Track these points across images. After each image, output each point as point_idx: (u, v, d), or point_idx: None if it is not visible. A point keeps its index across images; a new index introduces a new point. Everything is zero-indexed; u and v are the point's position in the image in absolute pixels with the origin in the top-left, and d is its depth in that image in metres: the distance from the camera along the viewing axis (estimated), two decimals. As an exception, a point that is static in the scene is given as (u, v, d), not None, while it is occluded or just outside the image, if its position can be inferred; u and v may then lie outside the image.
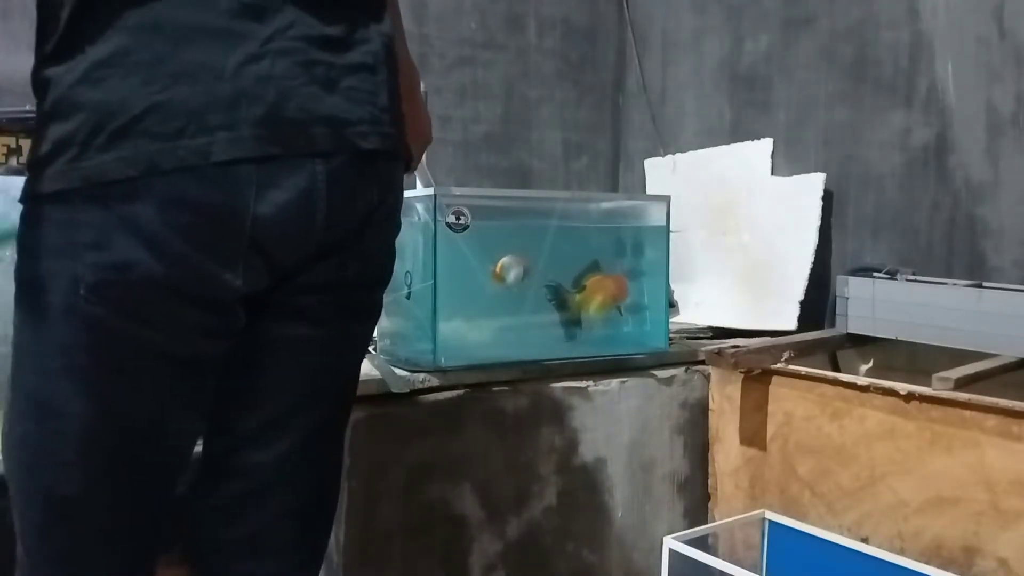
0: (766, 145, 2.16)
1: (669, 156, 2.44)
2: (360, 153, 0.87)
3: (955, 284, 1.69)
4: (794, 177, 2.08)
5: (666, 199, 1.76)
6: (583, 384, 1.66)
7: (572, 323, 1.70)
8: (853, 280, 1.83)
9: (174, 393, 0.86)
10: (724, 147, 2.28)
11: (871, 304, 1.78)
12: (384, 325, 1.67)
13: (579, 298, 1.69)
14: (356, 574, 1.43)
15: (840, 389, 1.57)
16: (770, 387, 1.69)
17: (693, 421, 1.81)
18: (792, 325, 1.96)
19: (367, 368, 1.52)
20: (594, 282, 1.70)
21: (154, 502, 0.90)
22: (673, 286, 1.91)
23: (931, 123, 1.89)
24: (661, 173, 2.46)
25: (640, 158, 2.57)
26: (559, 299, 1.68)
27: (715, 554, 1.48)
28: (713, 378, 1.79)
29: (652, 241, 1.76)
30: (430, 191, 1.50)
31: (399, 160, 0.98)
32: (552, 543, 1.64)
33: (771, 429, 1.69)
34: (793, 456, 1.65)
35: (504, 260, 1.57)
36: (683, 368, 1.80)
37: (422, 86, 1.93)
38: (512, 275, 1.57)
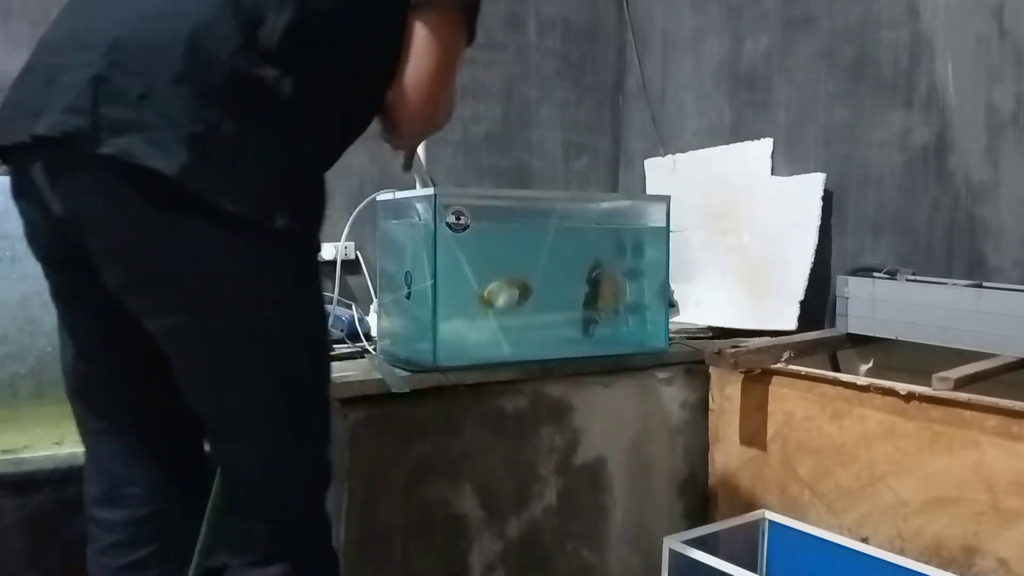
0: (766, 145, 2.16)
1: (669, 156, 2.44)
2: (47, 144, 0.89)
3: (955, 284, 1.69)
4: (794, 177, 2.08)
5: (666, 199, 1.76)
6: (583, 384, 1.66)
7: (590, 320, 1.70)
8: (853, 280, 1.83)
9: None
10: (724, 147, 2.28)
11: (871, 304, 1.78)
12: (384, 325, 1.67)
13: (590, 295, 1.70)
14: (356, 574, 1.43)
15: (840, 389, 1.57)
16: (770, 387, 1.69)
17: (693, 421, 1.81)
18: (792, 325, 1.97)
19: (367, 368, 1.52)
20: (604, 283, 1.71)
21: None
22: (673, 286, 1.91)
23: (931, 123, 1.89)
24: (661, 173, 2.46)
25: (640, 158, 2.57)
26: (593, 290, 1.68)
27: (715, 554, 1.48)
28: (713, 378, 1.79)
29: (652, 241, 1.76)
30: (430, 191, 1.50)
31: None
32: (552, 543, 1.64)
33: (771, 429, 1.69)
34: (793, 456, 1.65)
35: (492, 286, 1.55)
36: (683, 368, 1.80)
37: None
38: (502, 300, 1.56)
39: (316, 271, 1.04)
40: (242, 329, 0.96)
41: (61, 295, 1.06)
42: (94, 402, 1.10)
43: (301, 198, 0.97)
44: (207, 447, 1.09)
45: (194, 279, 0.93)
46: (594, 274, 1.70)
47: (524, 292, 1.57)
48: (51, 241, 1.00)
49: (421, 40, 1.04)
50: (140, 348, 1.01)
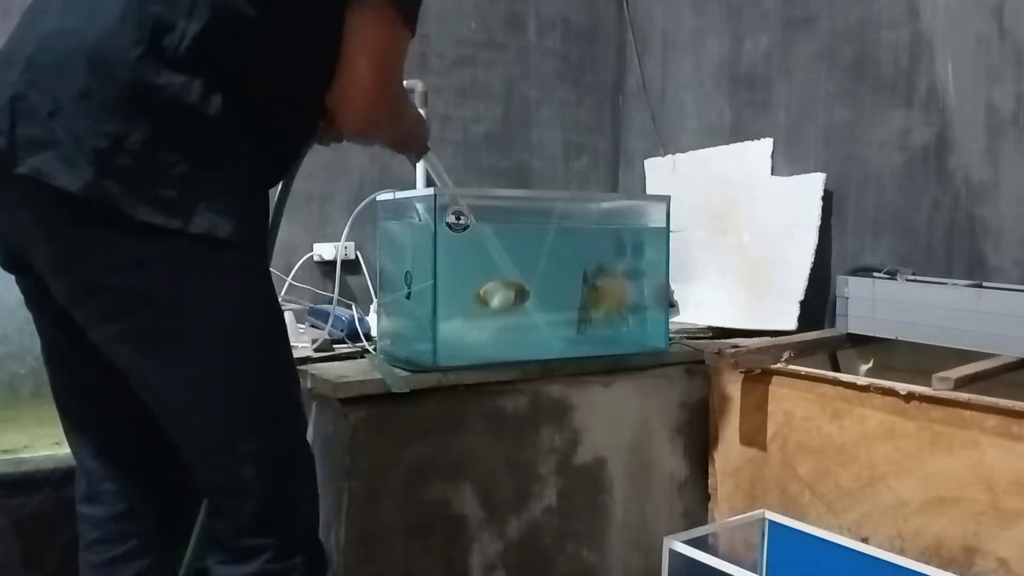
0: (766, 145, 2.16)
1: (669, 156, 2.44)
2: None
3: (955, 284, 1.69)
4: (794, 177, 2.08)
5: (666, 199, 1.76)
6: (583, 384, 1.66)
7: (585, 320, 1.70)
8: (853, 280, 1.83)
9: None
10: (724, 147, 2.28)
11: (871, 304, 1.78)
12: (384, 325, 1.67)
13: (592, 298, 1.70)
14: (356, 574, 1.43)
15: (840, 389, 1.57)
16: (770, 387, 1.69)
17: (693, 421, 1.81)
18: (792, 325, 1.96)
19: (367, 368, 1.52)
20: (604, 285, 1.70)
21: None
22: (673, 286, 1.91)
23: (931, 123, 1.89)
24: (661, 173, 2.46)
25: (640, 158, 2.57)
26: (590, 289, 1.68)
27: (715, 554, 1.48)
28: (713, 378, 1.79)
29: (652, 241, 1.76)
30: (430, 191, 1.50)
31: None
32: (552, 543, 1.64)
33: (771, 429, 1.69)
34: (793, 456, 1.65)
35: (489, 285, 1.55)
36: (683, 368, 1.80)
37: (420, 85, 1.94)
38: (497, 300, 1.55)
39: (253, 273, 1.03)
40: (175, 336, 0.97)
41: (29, 299, 1.10)
42: (65, 402, 1.13)
43: (224, 203, 0.96)
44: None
45: (122, 290, 0.94)
46: (590, 280, 1.70)
47: (520, 294, 1.57)
48: (5, 250, 1.04)
49: (357, 38, 1.02)
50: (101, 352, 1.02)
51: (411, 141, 1.34)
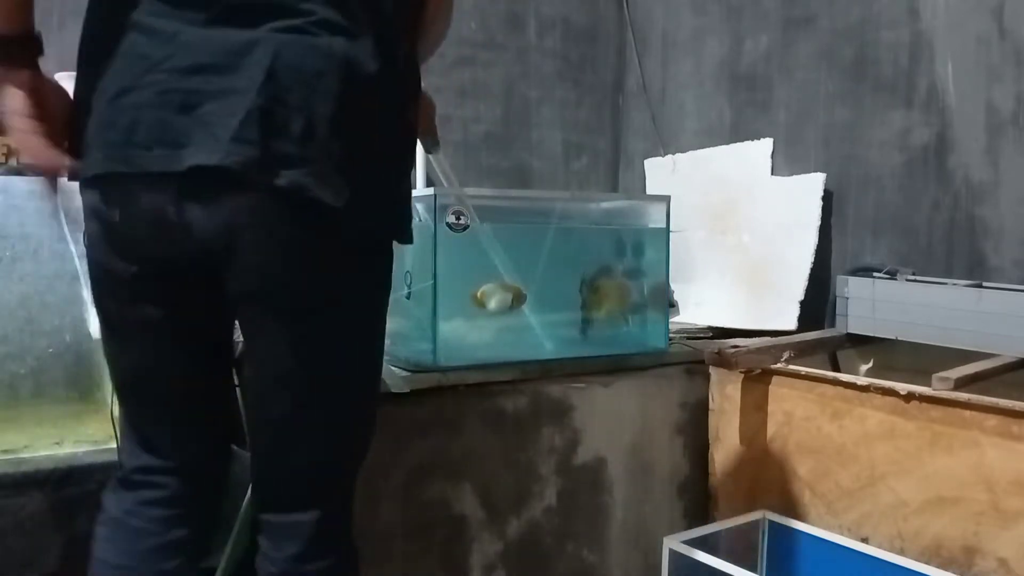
0: (766, 145, 2.16)
1: (669, 156, 2.44)
2: (200, 172, 0.91)
3: (955, 284, 1.69)
4: (794, 177, 2.08)
5: (666, 199, 1.76)
6: (583, 384, 1.66)
7: (582, 322, 1.70)
8: (853, 280, 1.83)
9: None
10: (724, 147, 2.28)
11: (871, 304, 1.78)
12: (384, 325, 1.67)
13: (593, 299, 1.70)
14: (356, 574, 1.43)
15: (840, 389, 1.57)
16: (770, 387, 1.69)
17: (693, 421, 1.81)
18: (792, 325, 1.96)
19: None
20: (606, 287, 1.70)
21: None
22: (673, 286, 1.91)
23: (931, 123, 1.89)
24: (661, 173, 2.46)
25: (640, 158, 2.57)
26: (590, 293, 1.69)
27: (715, 554, 1.48)
28: (713, 378, 1.79)
29: (652, 241, 1.76)
30: (430, 191, 1.50)
31: (246, 182, 0.93)
32: (552, 543, 1.64)
33: (771, 429, 1.69)
34: (793, 456, 1.65)
35: (486, 287, 1.56)
36: (683, 368, 1.80)
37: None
38: (494, 302, 1.56)
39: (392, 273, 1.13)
40: (356, 334, 1.07)
41: (145, 294, 1.05)
42: (153, 392, 1.11)
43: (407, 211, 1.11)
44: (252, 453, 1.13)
45: (328, 291, 1.01)
46: (590, 280, 1.70)
47: (517, 297, 1.57)
48: (157, 249, 0.99)
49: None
50: (204, 343, 1.09)
51: (430, 112, 1.37)
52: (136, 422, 1.13)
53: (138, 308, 1.04)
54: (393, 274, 1.11)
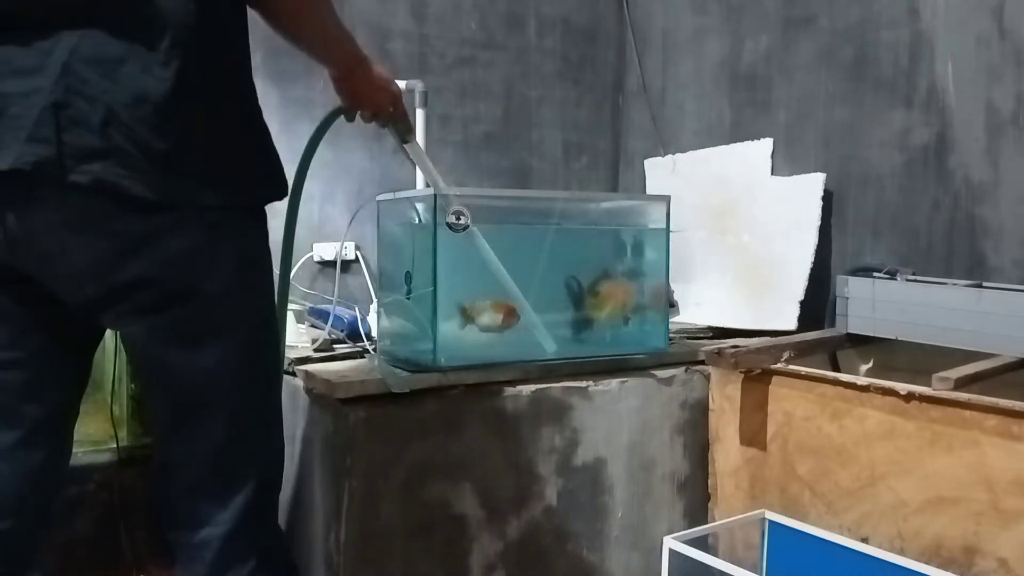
0: (766, 145, 2.16)
1: (669, 156, 2.44)
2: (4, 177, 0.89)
3: (955, 284, 1.69)
4: (794, 177, 2.08)
5: (666, 199, 1.76)
6: (583, 384, 1.66)
7: (582, 323, 1.70)
8: (853, 280, 1.83)
9: None
10: (724, 147, 2.28)
11: (871, 304, 1.78)
12: (384, 325, 1.67)
13: (594, 301, 1.70)
14: (356, 574, 1.43)
15: (840, 389, 1.57)
16: (770, 387, 1.69)
17: (693, 421, 1.81)
18: (792, 325, 1.96)
19: (367, 368, 1.52)
20: (608, 288, 1.70)
21: None
22: (673, 286, 1.91)
23: (931, 123, 1.89)
24: (661, 173, 2.46)
25: (640, 158, 2.57)
26: (576, 296, 1.68)
27: (715, 554, 1.48)
28: (713, 378, 1.79)
29: (652, 241, 1.76)
30: (430, 191, 1.50)
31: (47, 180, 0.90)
32: (552, 543, 1.64)
33: (771, 429, 1.69)
34: (793, 456, 1.65)
35: (477, 303, 1.56)
36: (683, 368, 1.80)
37: (420, 85, 1.94)
38: (483, 320, 1.56)
39: (268, 257, 1.08)
40: (211, 325, 1.00)
41: (10, 307, 1.04)
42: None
43: (264, 184, 1.04)
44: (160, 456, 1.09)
45: (169, 283, 0.97)
46: (589, 280, 1.70)
47: (509, 315, 1.57)
48: None
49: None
50: (44, 360, 1.04)
51: (378, 97, 1.32)
52: None
53: None
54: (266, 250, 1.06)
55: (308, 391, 1.52)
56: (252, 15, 1.05)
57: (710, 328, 2.05)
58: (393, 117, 1.37)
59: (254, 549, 1.06)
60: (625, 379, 1.72)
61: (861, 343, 1.85)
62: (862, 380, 1.55)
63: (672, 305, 1.95)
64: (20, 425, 1.06)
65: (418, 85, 1.96)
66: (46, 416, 1.08)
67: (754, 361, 1.68)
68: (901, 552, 1.46)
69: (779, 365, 1.68)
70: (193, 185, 0.95)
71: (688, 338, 1.97)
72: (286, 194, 1.09)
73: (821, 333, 1.89)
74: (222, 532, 1.04)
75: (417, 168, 1.89)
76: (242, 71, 1.04)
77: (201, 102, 0.96)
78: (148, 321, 0.99)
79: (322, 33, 1.13)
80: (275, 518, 1.12)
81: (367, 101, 1.31)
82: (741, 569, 1.39)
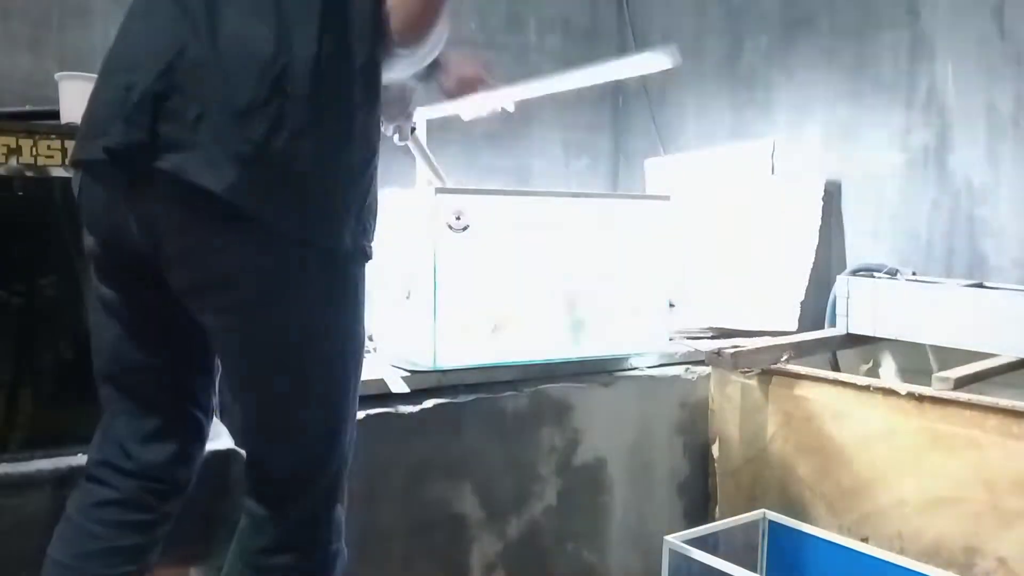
0: (766, 145, 2.16)
1: (669, 156, 2.44)
2: (99, 161, 0.95)
3: (955, 284, 1.69)
4: (794, 177, 2.08)
5: (666, 199, 1.76)
6: (583, 384, 1.66)
7: (584, 320, 1.70)
8: (853, 280, 1.83)
9: None
10: (724, 147, 2.28)
11: (871, 304, 1.78)
12: (384, 325, 1.67)
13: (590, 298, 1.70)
14: (356, 574, 1.43)
15: (840, 389, 1.57)
16: (770, 387, 1.69)
17: (693, 421, 1.81)
18: (792, 325, 1.96)
19: (367, 368, 1.52)
20: (603, 285, 1.70)
21: None
22: (673, 286, 1.91)
23: (931, 123, 1.89)
24: (661, 173, 2.46)
25: (640, 158, 2.56)
26: (589, 289, 1.69)
27: (715, 554, 1.48)
28: (713, 378, 1.79)
29: (652, 241, 1.76)
30: (430, 191, 1.50)
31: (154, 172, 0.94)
32: (552, 543, 1.64)
33: (771, 429, 1.69)
34: (793, 456, 1.65)
35: (475, 316, 1.56)
36: (683, 368, 1.80)
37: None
38: (480, 332, 1.57)
39: (361, 281, 1.08)
40: (284, 337, 1.03)
41: (114, 277, 1.09)
42: (124, 387, 1.13)
43: (354, 214, 1.03)
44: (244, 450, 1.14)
45: (246, 287, 0.99)
46: (589, 280, 1.70)
47: (503, 324, 1.58)
48: (118, 236, 1.03)
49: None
50: (177, 340, 1.10)
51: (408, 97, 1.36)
52: (104, 411, 1.14)
53: (102, 288, 1.08)
54: (361, 289, 1.07)
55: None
56: None
57: (710, 328, 2.05)
58: (394, 116, 1.40)
59: (316, 540, 1.10)
60: (625, 379, 1.72)
61: (861, 343, 1.85)
62: (862, 380, 1.55)
63: (672, 305, 1.95)
64: (155, 415, 1.13)
65: (418, 85, 1.96)
66: (178, 409, 1.14)
67: (754, 361, 1.68)
68: (901, 552, 1.46)
69: (779, 365, 1.68)
70: (280, 209, 0.97)
71: (688, 338, 1.97)
72: (368, 257, 1.08)
73: (821, 333, 1.89)
74: (285, 516, 1.08)
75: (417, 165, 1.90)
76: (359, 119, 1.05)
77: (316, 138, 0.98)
78: (223, 321, 1.03)
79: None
80: (326, 533, 1.12)
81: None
82: (741, 569, 1.39)
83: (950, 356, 1.61)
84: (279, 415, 1.08)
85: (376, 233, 1.09)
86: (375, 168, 1.08)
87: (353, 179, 1.03)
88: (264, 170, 0.94)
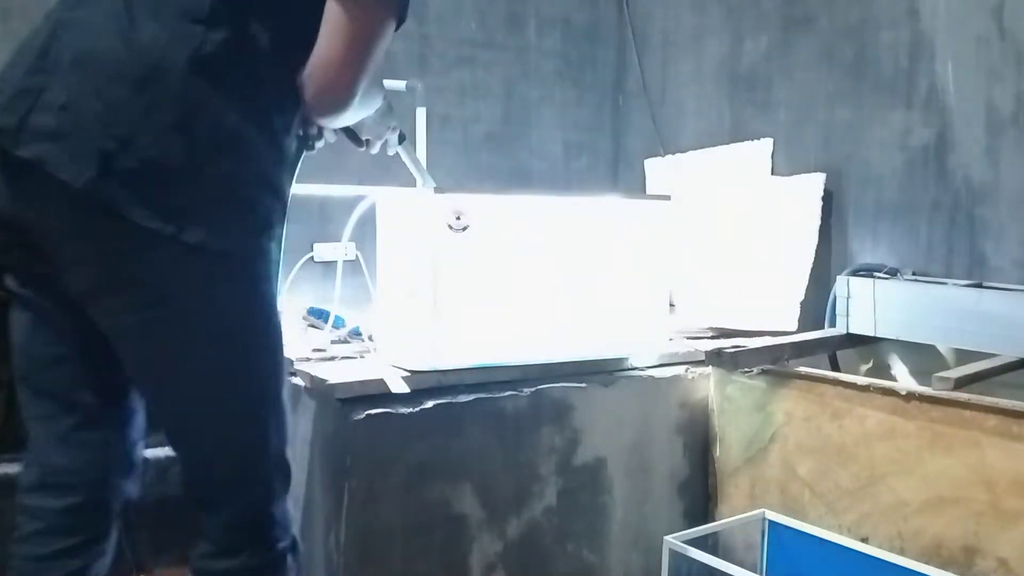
0: (766, 145, 2.16)
1: (669, 156, 2.44)
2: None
3: (955, 284, 1.69)
4: (794, 177, 2.08)
5: (666, 199, 1.76)
6: (583, 384, 1.66)
7: (583, 320, 1.70)
8: (853, 280, 1.83)
9: None
10: (724, 147, 2.28)
11: (871, 304, 1.78)
12: (384, 325, 1.67)
13: (589, 297, 1.70)
14: (356, 574, 1.43)
15: (840, 389, 1.57)
16: (770, 387, 1.69)
17: (693, 421, 1.81)
18: (792, 325, 1.96)
19: (367, 368, 1.52)
20: (603, 284, 1.70)
21: None
22: (673, 286, 1.91)
23: (931, 123, 1.89)
24: (661, 173, 2.46)
25: (640, 158, 2.56)
26: (589, 289, 1.69)
27: (715, 554, 1.48)
28: (713, 378, 1.79)
29: (652, 241, 1.76)
30: (430, 191, 1.50)
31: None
32: (552, 543, 1.64)
33: (771, 429, 1.69)
34: (793, 456, 1.65)
35: None
36: (683, 368, 1.80)
37: (420, 85, 1.95)
38: None
39: (264, 279, 1.04)
40: (181, 334, 1.00)
41: (22, 279, 1.09)
42: (39, 387, 1.13)
43: (224, 213, 0.99)
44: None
45: (138, 284, 0.98)
46: (588, 279, 1.70)
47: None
48: (11, 225, 1.02)
49: (334, 19, 1.02)
50: (88, 339, 1.06)
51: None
52: (26, 424, 1.14)
53: (6, 277, 1.08)
54: (264, 287, 1.04)
55: (308, 391, 1.52)
56: None
57: (710, 328, 2.05)
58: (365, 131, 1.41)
59: (260, 540, 1.08)
60: (625, 379, 1.72)
61: (861, 343, 1.85)
62: (862, 380, 1.55)
63: (672, 305, 1.95)
64: (75, 412, 1.11)
65: (418, 85, 1.96)
66: (99, 402, 1.12)
67: (754, 361, 1.68)
68: (901, 552, 1.46)
69: (779, 365, 1.68)
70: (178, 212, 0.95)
71: (688, 338, 1.97)
72: (268, 256, 1.04)
73: (821, 333, 1.89)
74: (222, 517, 1.08)
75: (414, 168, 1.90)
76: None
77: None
78: (117, 323, 1.01)
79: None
80: (268, 532, 1.10)
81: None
82: (741, 569, 1.39)
83: (966, 357, 1.60)
84: (191, 417, 1.06)
85: (283, 231, 1.06)
86: (281, 166, 1.06)
87: (242, 179, 1.00)
88: (129, 167, 0.92)
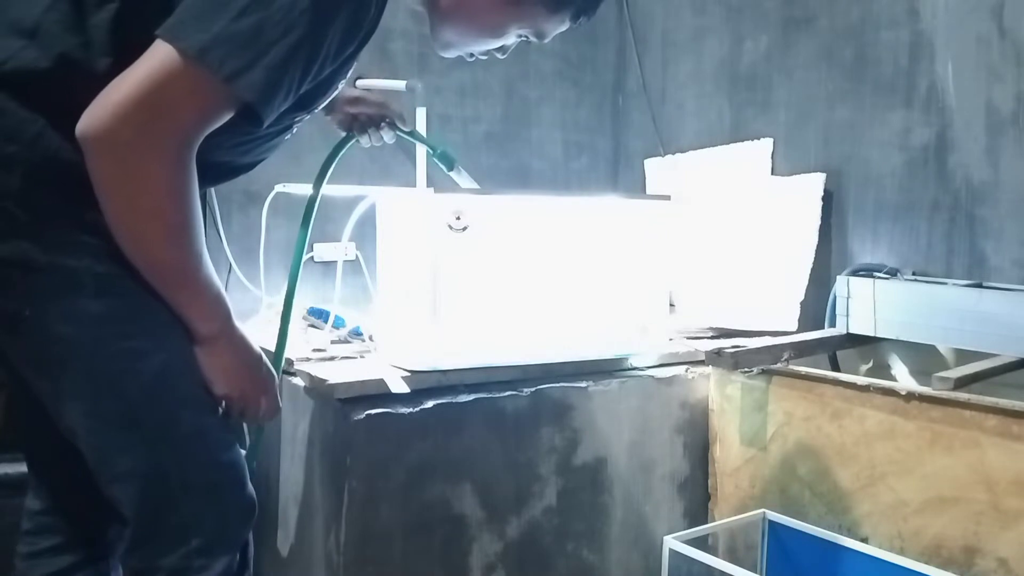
0: (766, 145, 2.16)
1: (669, 156, 2.44)
2: None
3: (955, 284, 1.69)
4: (794, 177, 2.08)
5: (666, 199, 1.76)
6: (583, 384, 1.66)
7: (583, 320, 1.70)
8: (853, 280, 1.83)
9: None
10: (724, 147, 2.28)
11: (871, 304, 1.78)
12: (384, 325, 1.67)
13: (589, 297, 1.70)
14: (356, 574, 1.43)
15: (840, 389, 1.57)
16: (770, 387, 1.69)
17: (693, 421, 1.81)
18: (792, 325, 1.96)
19: (367, 368, 1.52)
20: (602, 284, 1.70)
21: None
22: (673, 286, 1.91)
23: (931, 123, 1.89)
24: (661, 173, 2.46)
25: (640, 158, 2.56)
26: (588, 289, 1.69)
27: (715, 554, 1.48)
28: (713, 378, 1.79)
29: (651, 241, 1.76)
30: (430, 190, 1.50)
31: None
32: (552, 543, 1.64)
33: (771, 429, 1.69)
34: (793, 456, 1.65)
35: None
36: (683, 368, 1.80)
37: (420, 85, 1.95)
38: None
39: (120, 306, 0.98)
40: (63, 373, 0.99)
41: None
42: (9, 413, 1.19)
43: (88, 242, 0.94)
44: None
45: (26, 323, 0.96)
46: (588, 279, 1.70)
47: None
48: None
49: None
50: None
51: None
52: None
53: None
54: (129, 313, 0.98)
55: (308, 391, 1.52)
56: None
57: (710, 328, 2.05)
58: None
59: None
60: (625, 379, 1.72)
61: (861, 343, 1.85)
62: (862, 380, 1.55)
63: (672, 305, 1.95)
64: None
65: (418, 85, 1.96)
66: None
67: (754, 361, 1.68)
68: (901, 552, 1.46)
69: (779, 365, 1.68)
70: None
71: (688, 338, 1.97)
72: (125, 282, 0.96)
73: (821, 333, 1.89)
74: (139, 565, 1.08)
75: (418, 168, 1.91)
76: None
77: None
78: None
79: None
80: None
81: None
82: (741, 569, 1.39)
83: (966, 357, 1.60)
84: (97, 458, 1.03)
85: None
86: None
87: (77, 204, 0.93)
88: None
